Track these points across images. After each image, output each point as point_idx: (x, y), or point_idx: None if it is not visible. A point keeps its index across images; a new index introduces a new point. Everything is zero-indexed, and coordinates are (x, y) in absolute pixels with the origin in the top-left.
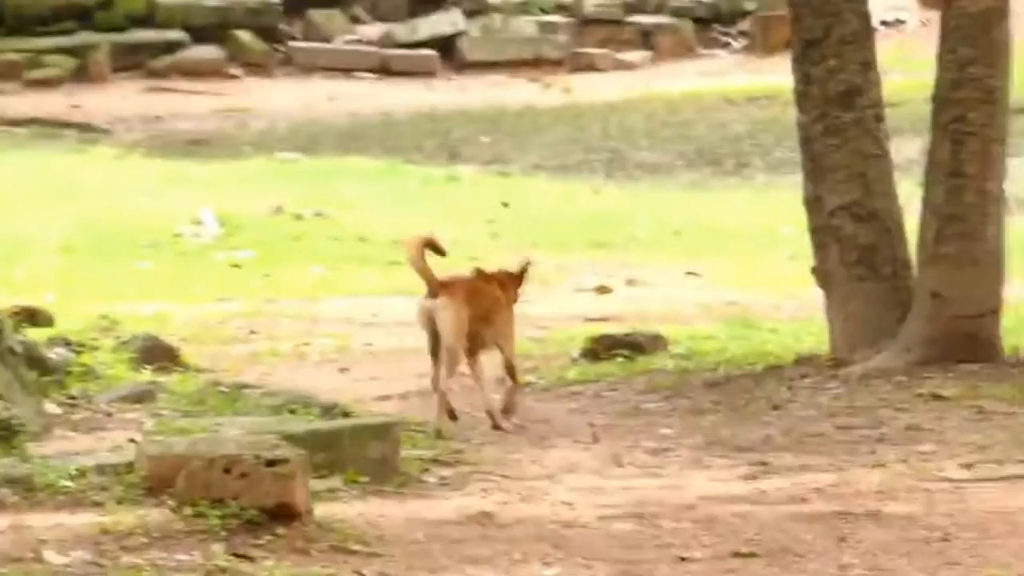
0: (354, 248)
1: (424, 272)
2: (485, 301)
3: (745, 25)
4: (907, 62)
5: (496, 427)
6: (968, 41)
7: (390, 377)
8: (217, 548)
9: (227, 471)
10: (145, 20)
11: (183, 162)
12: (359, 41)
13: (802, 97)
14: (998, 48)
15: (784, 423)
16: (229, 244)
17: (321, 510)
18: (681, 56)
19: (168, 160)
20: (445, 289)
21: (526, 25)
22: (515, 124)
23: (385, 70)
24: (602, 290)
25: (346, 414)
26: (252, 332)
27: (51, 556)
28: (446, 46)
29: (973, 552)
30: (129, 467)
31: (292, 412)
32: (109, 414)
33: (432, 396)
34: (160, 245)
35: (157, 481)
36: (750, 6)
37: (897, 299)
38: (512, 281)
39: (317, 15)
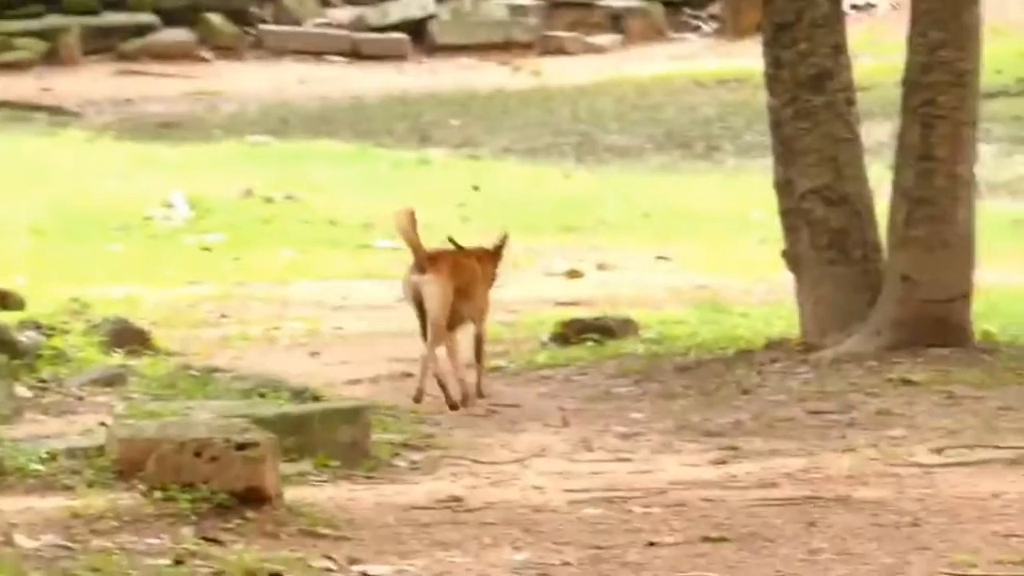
0: (324, 231)
1: (415, 244)
2: (467, 275)
3: (715, 8)
4: (878, 45)
5: (453, 407)
6: (938, 25)
7: (360, 361)
8: (187, 532)
9: (197, 455)
10: (116, 3)
11: (153, 145)
12: (330, 24)
13: (773, 80)
14: (968, 32)
15: (754, 407)
16: (199, 227)
17: (291, 494)
18: (651, 39)
19: (138, 143)
20: (432, 263)
21: (496, 8)
22: (485, 107)
23: (356, 53)
24: (573, 274)
25: (316, 398)
26: (223, 315)
27: (21, 540)
28: (417, 29)
29: (943, 537)
30: (99, 450)
31: (262, 396)
32: (80, 397)
33: (405, 380)
34: (130, 228)
35: (127, 465)
36: None
37: (867, 283)
38: (489, 257)
39: None
